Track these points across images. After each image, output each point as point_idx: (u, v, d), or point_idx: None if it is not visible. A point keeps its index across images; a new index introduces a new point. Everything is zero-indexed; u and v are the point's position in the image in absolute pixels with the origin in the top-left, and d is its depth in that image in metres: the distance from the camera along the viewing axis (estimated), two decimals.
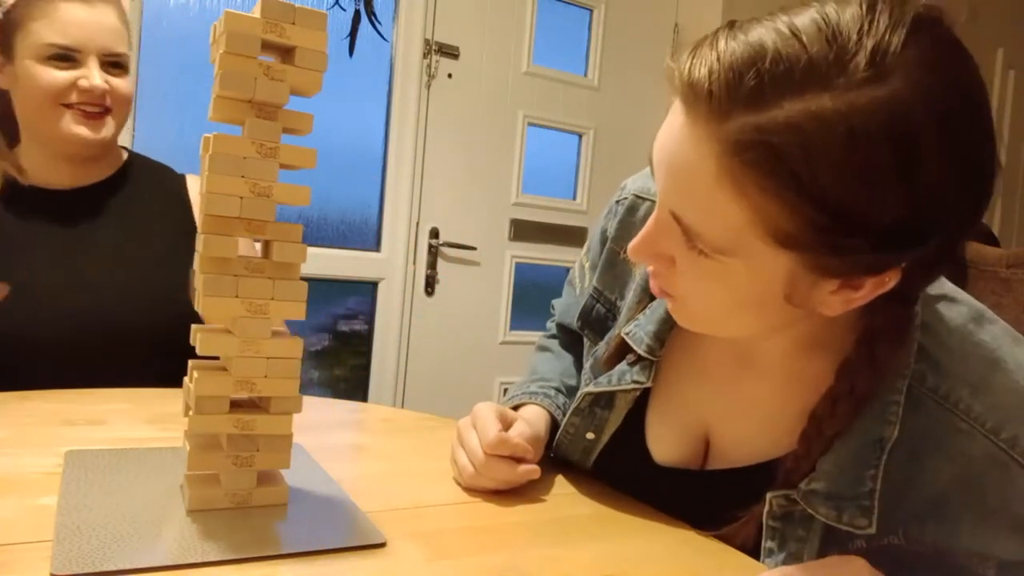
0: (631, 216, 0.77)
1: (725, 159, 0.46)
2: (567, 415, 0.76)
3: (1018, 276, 1.83)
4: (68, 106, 1.05)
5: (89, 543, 0.52)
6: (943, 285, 0.62)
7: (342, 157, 2.20)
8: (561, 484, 0.79)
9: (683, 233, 0.52)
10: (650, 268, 0.59)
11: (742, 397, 0.67)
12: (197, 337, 0.59)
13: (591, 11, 2.53)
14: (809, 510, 0.57)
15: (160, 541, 0.53)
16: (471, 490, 0.72)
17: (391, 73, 2.25)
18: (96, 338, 1.05)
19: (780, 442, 0.62)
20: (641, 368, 0.70)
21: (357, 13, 2.10)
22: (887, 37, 0.44)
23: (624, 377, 0.71)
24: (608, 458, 0.75)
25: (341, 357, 2.30)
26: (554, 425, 0.80)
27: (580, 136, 2.54)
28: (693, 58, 0.48)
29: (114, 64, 1.08)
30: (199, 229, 0.59)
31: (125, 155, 1.20)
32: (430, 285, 2.31)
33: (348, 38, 2.10)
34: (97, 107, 1.07)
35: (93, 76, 1.04)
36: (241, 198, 0.58)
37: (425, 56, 2.25)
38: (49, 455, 0.71)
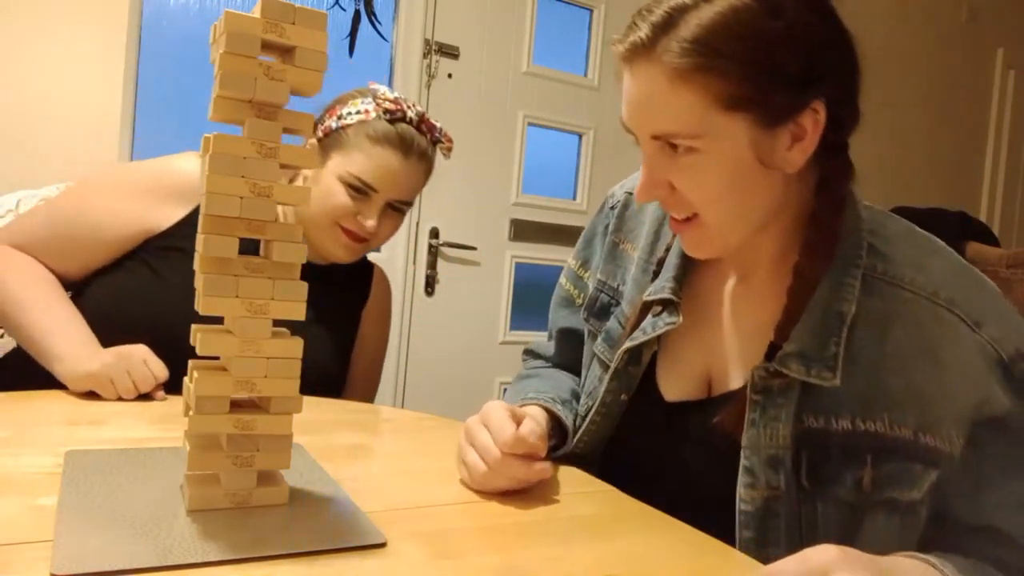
0: (625, 212, 0.90)
1: (669, 72, 0.64)
2: (607, 379, 0.82)
3: (1018, 276, 1.83)
4: (340, 225, 1.13)
5: (89, 543, 0.52)
6: (879, 209, 0.77)
7: None
8: (561, 484, 0.79)
9: (666, 144, 0.67)
10: (671, 213, 0.73)
11: (737, 317, 0.78)
12: (197, 337, 0.59)
13: (591, 11, 2.53)
14: (783, 370, 0.68)
15: (160, 541, 0.53)
16: (480, 491, 0.71)
17: (391, 73, 2.25)
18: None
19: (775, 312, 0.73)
20: (668, 313, 0.78)
21: (357, 13, 2.10)
22: None
23: (657, 325, 0.78)
24: (624, 413, 0.83)
25: None
26: (555, 424, 0.83)
27: (580, 136, 2.54)
28: (628, 31, 0.67)
29: (395, 207, 1.16)
30: (199, 229, 0.59)
31: None
32: (430, 285, 2.31)
33: (348, 38, 2.10)
34: (361, 240, 1.14)
35: (371, 216, 1.12)
36: (241, 198, 0.58)
37: (425, 56, 2.25)
38: (49, 455, 0.71)
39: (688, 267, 0.79)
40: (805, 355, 0.67)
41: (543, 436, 0.74)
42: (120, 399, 0.94)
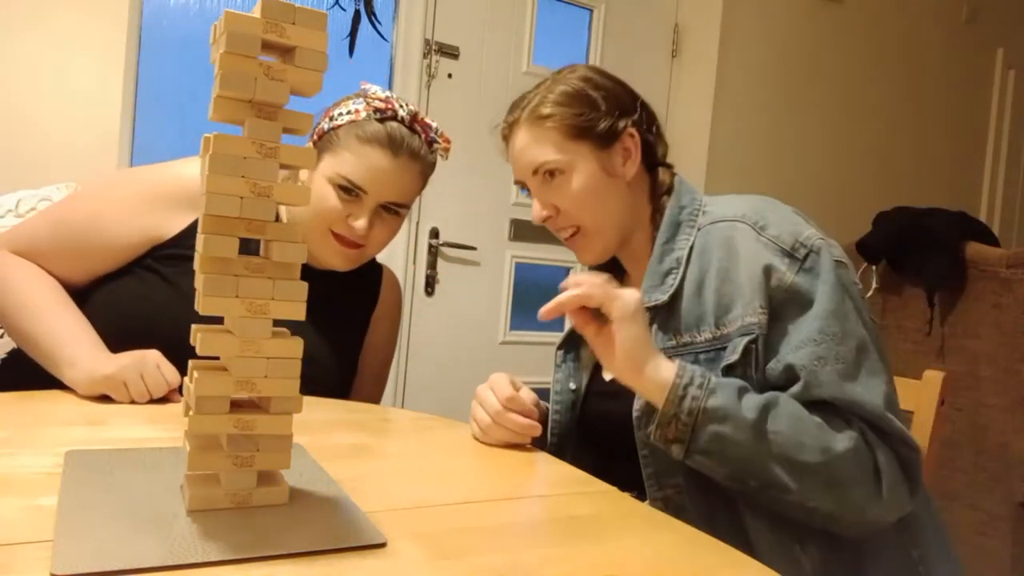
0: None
1: (533, 122, 0.99)
2: (553, 373, 1.08)
3: (1018, 276, 1.83)
4: (333, 232, 1.11)
5: (89, 543, 0.52)
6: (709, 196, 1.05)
7: None
8: (561, 484, 0.79)
9: (544, 175, 0.98)
10: (561, 235, 1.02)
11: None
12: (197, 337, 0.59)
13: (591, 11, 2.53)
14: (643, 299, 0.88)
15: (160, 541, 0.53)
16: (486, 442, 0.93)
17: (391, 73, 2.25)
18: None
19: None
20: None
21: (357, 13, 2.10)
22: (562, 69, 1.05)
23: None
24: (585, 407, 1.06)
25: None
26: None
27: None
28: (504, 120, 1.05)
29: (388, 209, 1.13)
30: (199, 229, 0.59)
31: None
32: (430, 285, 2.31)
33: (348, 38, 2.10)
34: (353, 244, 1.12)
35: (360, 217, 1.10)
36: (241, 198, 0.58)
37: (425, 56, 2.25)
38: (49, 455, 0.71)
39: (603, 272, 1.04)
40: (649, 289, 0.93)
41: (536, 401, 0.97)
42: (133, 403, 0.94)
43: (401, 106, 1.12)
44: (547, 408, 1.06)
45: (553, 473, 0.84)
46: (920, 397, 1.08)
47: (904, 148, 3.12)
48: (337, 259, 1.13)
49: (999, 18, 3.36)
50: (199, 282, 0.59)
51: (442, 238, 2.31)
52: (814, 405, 0.81)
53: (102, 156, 1.81)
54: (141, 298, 1.07)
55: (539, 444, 1.00)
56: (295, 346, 0.61)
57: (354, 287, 1.25)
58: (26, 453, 0.72)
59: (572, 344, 1.08)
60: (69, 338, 0.99)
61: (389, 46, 2.24)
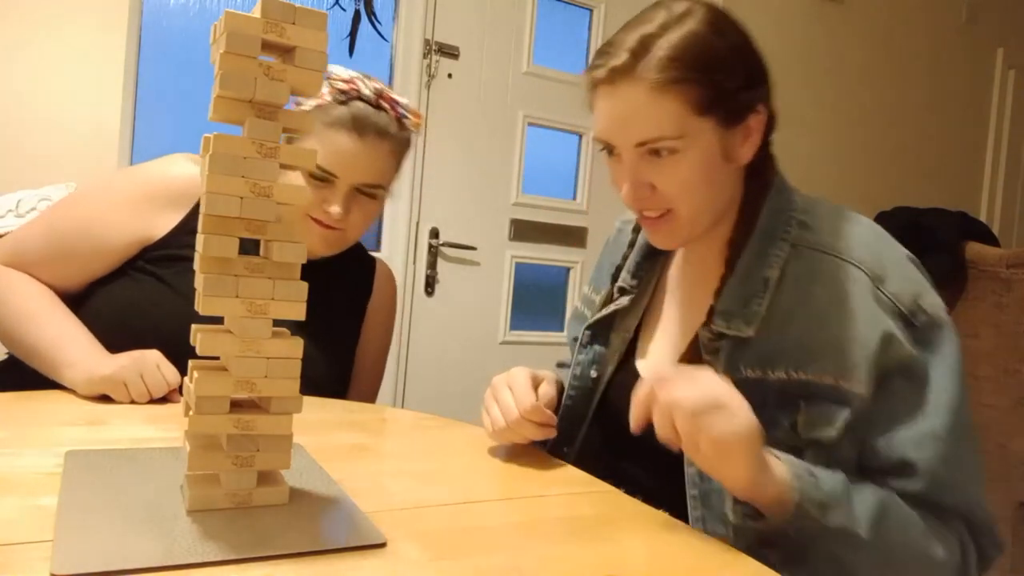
0: (611, 236, 1.06)
1: (651, 86, 0.76)
2: (576, 353, 0.96)
3: (1018, 276, 1.83)
4: (311, 217, 1.09)
5: (89, 543, 0.52)
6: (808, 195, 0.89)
7: None
8: (561, 484, 0.79)
9: (651, 153, 0.78)
10: (646, 213, 0.83)
11: (695, 296, 0.88)
12: (197, 337, 0.59)
13: (591, 11, 2.53)
14: (713, 327, 0.79)
15: (160, 541, 0.53)
16: (497, 440, 0.88)
17: (391, 73, 2.25)
18: None
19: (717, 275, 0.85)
20: (620, 297, 0.94)
21: (357, 13, 2.10)
22: (680, 6, 0.80)
23: (609, 307, 0.94)
24: (606, 396, 0.93)
25: None
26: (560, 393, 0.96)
27: (580, 136, 2.54)
28: (604, 59, 0.79)
29: (364, 192, 1.10)
30: (199, 229, 0.59)
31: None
32: (430, 285, 2.31)
33: (348, 38, 2.10)
34: (334, 229, 1.10)
35: (335, 203, 1.07)
36: (241, 198, 0.58)
37: (425, 56, 2.25)
38: (49, 455, 0.71)
39: (646, 262, 0.95)
40: (728, 312, 0.79)
41: (554, 401, 0.90)
42: (133, 403, 0.94)
43: (366, 84, 1.09)
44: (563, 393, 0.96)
45: (553, 473, 0.84)
46: None
47: (904, 148, 3.12)
48: (317, 243, 1.11)
49: (999, 18, 3.36)
50: (199, 282, 0.59)
51: (442, 238, 2.31)
52: (918, 502, 0.74)
53: (102, 156, 1.81)
54: (136, 300, 1.07)
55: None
56: (295, 346, 0.61)
57: (348, 278, 1.25)
58: (26, 453, 0.72)
59: (604, 327, 0.94)
60: (65, 340, 0.99)
61: (389, 46, 2.24)
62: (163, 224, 1.09)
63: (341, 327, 1.22)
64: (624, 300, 0.93)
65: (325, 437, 0.87)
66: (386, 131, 1.08)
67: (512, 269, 2.44)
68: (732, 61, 0.78)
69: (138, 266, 1.09)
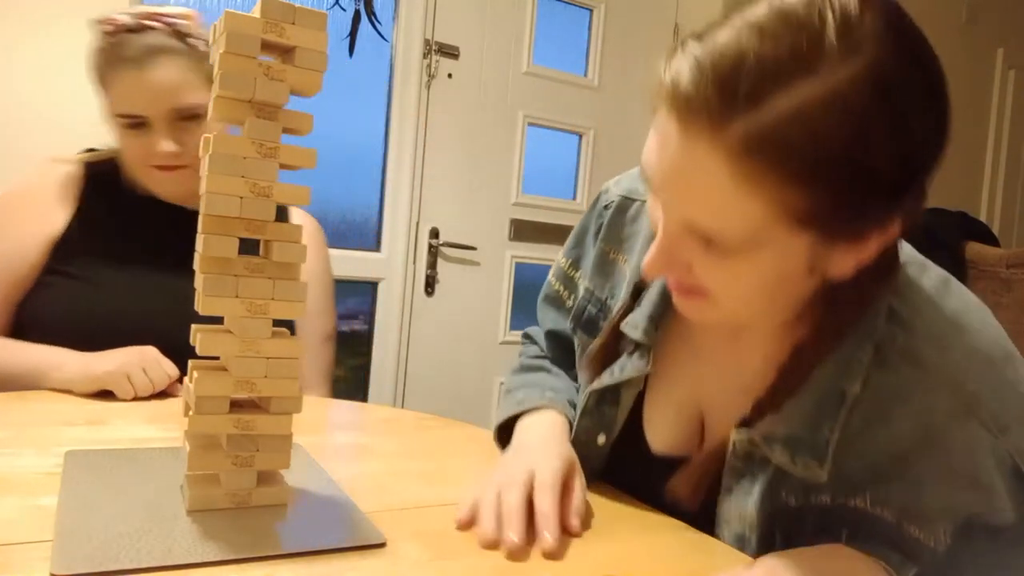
0: (620, 217, 0.78)
1: (736, 162, 0.48)
2: (576, 419, 0.76)
3: (1018, 276, 1.83)
4: (153, 167, 1.07)
5: (89, 543, 0.52)
6: (915, 254, 0.64)
7: (342, 157, 2.20)
8: None
9: (701, 239, 0.53)
10: (671, 281, 0.62)
11: (734, 373, 0.68)
12: (197, 337, 0.59)
13: (591, 11, 2.53)
14: (766, 452, 0.60)
15: (160, 541, 0.53)
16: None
17: (391, 73, 2.25)
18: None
19: (775, 361, 0.63)
20: (640, 355, 0.70)
21: (357, 13, 2.10)
22: (846, 10, 0.48)
23: (625, 368, 0.71)
24: (611, 462, 0.76)
25: (341, 357, 2.30)
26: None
27: (580, 136, 2.54)
28: (678, 72, 0.50)
29: (187, 117, 1.06)
30: (199, 229, 0.59)
31: None
32: (430, 285, 2.31)
33: (348, 38, 2.10)
34: (176, 167, 1.07)
35: (161, 142, 1.04)
36: (241, 198, 0.58)
37: (425, 56, 2.25)
38: (49, 455, 0.71)
39: (671, 304, 0.66)
40: (792, 440, 0.59)
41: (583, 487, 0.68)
42: (136, 398, 0.95)
43: (125, 16, 1.05)
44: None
45: None
46: None
47: None
48: (172, 188, 1.10)
49: (999, 18, 3.36)
50: (199, 282, 0.59)
51: (442, 238, 2.31)
52: None
53: None
54: (68, 306, 1.06)
55: None
56: (295, 346, 0.61)
57: None
58: (26, 453, 0.72)
59: (614, 391, 0.73)
60: (42, 351, 0.99)
61: (389, 46, 2.24)
62: (58, 218, 1.10)
63: None
64: (643, 365, 0.70)
65: (325, 437, 0.87)
66: (162, 48, 1.04)
67: (512, 269, 2.44)
68: (884, 150, 0.48)
69: (52, 272, 1.08)
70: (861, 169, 0.48)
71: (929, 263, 0.64)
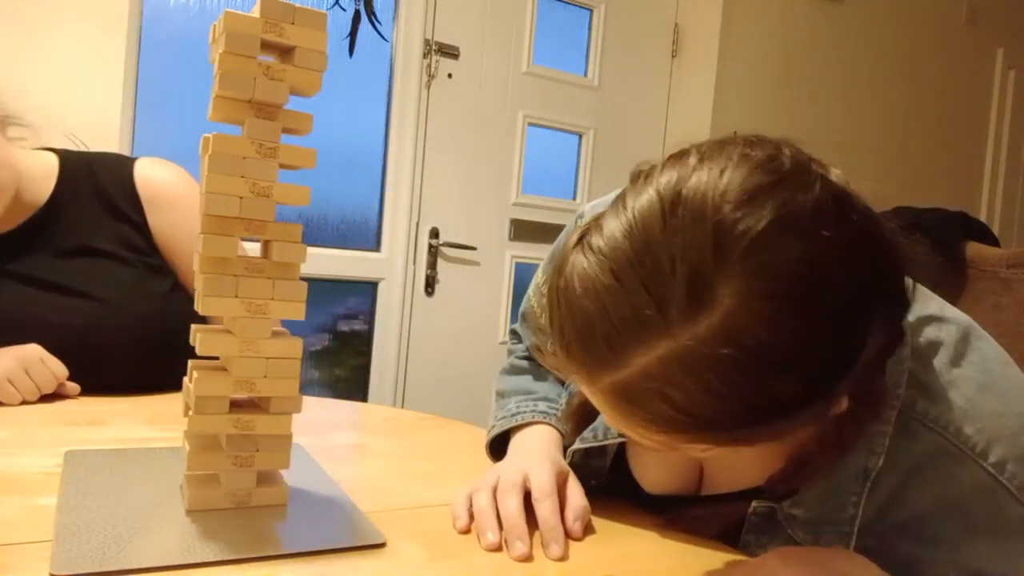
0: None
1: (617, 400, 0.47)
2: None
3: (1018, 276, 1.83)
4: None
5: (89, 543, 0.52)
6: (930, 303, 0.61)
7: (342, 157, 2.20)
8: None
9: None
10: None
11: None
12: (197, 337, 0.59)
13: (591, 11, 2.53)
14: (788, 529, 0.59)
15: (160, 541, 0.53)
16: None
17: (391, 73, 2.25)
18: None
19: (775, 467, 0.60)
20: None
21: (357, 13, 2.10)
22: (698, 257, 0.43)
23: (610, 432, 0.68)
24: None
25: (341, 357, 2.30)
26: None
27: (580, 136, 2.54)
28: (559, 339, 0.49)
29: None
30: (200, 229, 0.58)
31: (52, 185, 1.07)
32: (430, 285, 2.31)
33: (348, 38, 2.10)
34: None
35: None
36: (241, 198, 0.58)
37: (425, 56, 2.25)
38: (49, 455, 0.71)
39: None
40: (815, 521, 0.58)
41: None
42: (24, 403, 0.91)
43: None
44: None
45: None
46: None
47: (904, 148, 3.12)
48: None
49: (999, 18, 3.36)
50: (199, 282, 0.59)
51: (442, 238, 2.31)
52: None
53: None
54: None
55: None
56: (295, 346, 0.61)
57: (107, 212, 1.10)
58: (26, 453, 0.72)
59: (599, 448, 0.71)
60: None
61: (389, 46, 2.24)
62: None
63: (123, 251, 1.09)
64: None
65: (325, 437, 0.87)
66: None
67: (512, 269, 2.44)
68: (777, 384, 0.44)
69: None
70: (752, 405, 0.45)
71: (949, 311, 0.61)
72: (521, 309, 0.90)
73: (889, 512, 0.56)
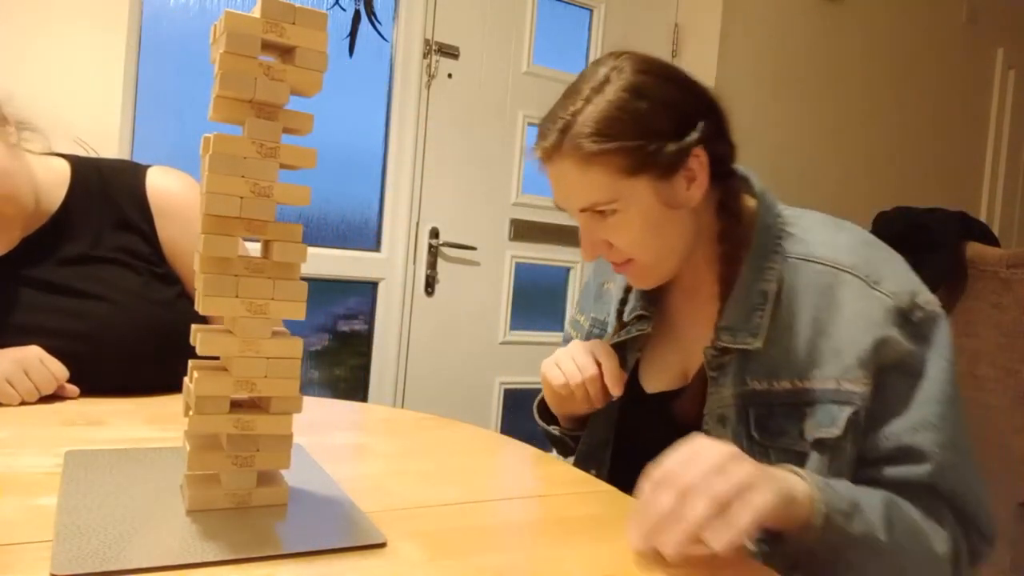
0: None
1: (578, 160, 0.80)
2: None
3: (1018, 276, 1.83)
4: None
5: (89, 543, 0.52)
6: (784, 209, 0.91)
7: (342, 157, 2.20)
8: (560, 484, 0.79)
9: (596, 217, 0.83)
10: (609, 260, 0.87)
11: (695, 321, 0.90)
12: (197, 337, 0.59)
13: (591, 11, 2.53)
14: (719, 342, 0.82)
15: (160, 541, 0.53)
16: (568, 401, 0.90)
17: (391, 73, 2.25)
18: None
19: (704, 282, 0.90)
20: (639, 323, 0.94)
21: (357, 13, 2.10)
22: (604, 63, 0.83)
23: (630, 331, 0.94)
24: (622, 417, 0.95)
25: (341, 357, 2.30)
26: None
27: None
28: (540, 138, 0.84)
29: None
30: (200, 229, 0.58)
31: (64, 193, 1.08)
32: (430, 285, 2.31)
33: (348, 38, 2.10)
34: None
35: None
36: (241, 198, 0.58)
37: (425, 56, 2.25)
38: (49, 455, 0.71)
39: (653, 291, 0.93)
40: (733, 328, 0.82)
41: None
42: (23, 403, 0.91)
43: None
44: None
45: (553, 473, 0.84)
46: None
47: (904, 148, 3.12)
48: None
49: (999, 18, 3.36)
50: (199, 282, 0.59)
51: (442, 238, 2.31)
52: (913, 490, 0.76)
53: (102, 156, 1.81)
54: None
55: (566, 452, 1.02)
56: (295, 346, 0.61)
57: (119, 222, 1.11)
58: (26, 453, 0.72)
59: (621, 349, 0.93)
60: None
61: (389, 46, 2.24)
62: None
63: (137, 261, 1.10)
64: (646, 326, 0.93)
65: (325, 437, 0.87)
66: None
67: (512, 269, 2.44)
68: (655, 118, 0.79)
69: None
70: (645, 133, 0.78)
71: (813, 212, 0.90)
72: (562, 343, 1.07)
73: (795, 333, 0.80)
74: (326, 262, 2.16)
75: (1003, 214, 3.45)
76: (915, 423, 0.76)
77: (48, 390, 0.94)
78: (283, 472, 0.65)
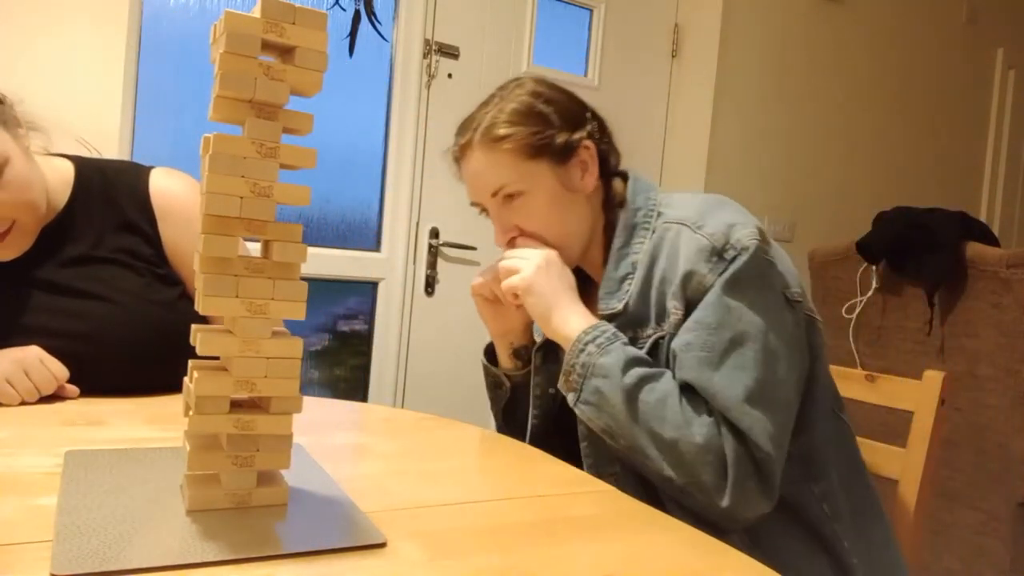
0: None
1: (486, 146, 0.95)
2: (532, 377, 1.06)
3: (1018, 276, 1.83)
4: None
5: (89, 543, 0.52)
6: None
7: (342, 157, 2.20)
8: (560, 484, 0.79)
9: (503, 196, 0.96)
10: (519, 242, 0.99)
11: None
12: (197, 337, 0.59)
13: (591, 11, 2.53)
14: (599, 312, 0.94)
15: (160, 541, 0.53)
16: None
17: (391, 73, 2.25)
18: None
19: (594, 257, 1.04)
20: None
21: (357, 13, 2.10)
22: (509, 82, 1.01)
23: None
24: (563, 409, 1.00)
25: (341, 357, 2.30)
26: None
27: None
28: (458, 138, 1.00)
29: None
30: (200, 229, 0.58)
31: (68, 194, 1.09)
32: (430, 285, 2.31)
33: (348, 38, 2.10)
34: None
35: None
36: (241, 198, 0.58)
37: (425, 56, 2.25)
38: (49, 455, 0.71)
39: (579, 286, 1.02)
40: (608, 295, 0.95)
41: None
42: (23, 403, 0.91)
43: None
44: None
45: (553, 473, 0.84)
46: (920, 397, 1.09)
47: (904, 148, 3.12)
48: (7, 252, 1.02)
49: (999, 18, 3.36)
50: (199, 282, 0.59)
51: (442, 238, 2.31)
52: (689, 388, 0.85)
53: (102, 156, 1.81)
54: None
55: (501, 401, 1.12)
56: (295, 346, 0.61)
57: (120, 218, 1.11)
58: (26, 453, 0.72)
59: (551, 346, 1.02)
60: None
61: (389, 46, 2.24)
62: None
63: (139, 262, 1.10)
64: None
65: (325, 437, 0.87)
66: None
67: None
68: (552, 115, 0.96)
69: None
70: (541, 123, 0.95)
71: (687, 193, 1.02)
72: None
73: (660, 290, 0.91)
74: (326, 262, 2.16)
75: (1003, 214, 3.45)
76: (682, 343, 0.87)
77: (48, 390, 0.94)
78: (283, 472, 0.65)
